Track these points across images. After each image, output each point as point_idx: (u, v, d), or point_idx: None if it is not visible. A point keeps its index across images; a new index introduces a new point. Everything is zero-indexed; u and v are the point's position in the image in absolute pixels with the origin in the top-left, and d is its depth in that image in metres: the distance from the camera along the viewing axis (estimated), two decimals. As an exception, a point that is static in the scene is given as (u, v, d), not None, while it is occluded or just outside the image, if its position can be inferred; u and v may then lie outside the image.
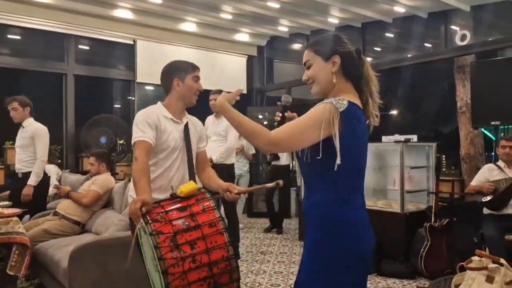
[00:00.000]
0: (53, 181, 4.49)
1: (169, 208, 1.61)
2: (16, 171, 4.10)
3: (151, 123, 2.05)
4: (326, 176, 1.47)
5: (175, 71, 2.18)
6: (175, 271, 1.47)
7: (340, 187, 1.47)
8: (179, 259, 1.48)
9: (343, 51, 1.53)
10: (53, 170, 4.71)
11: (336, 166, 1.42)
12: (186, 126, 2.18)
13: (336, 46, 1.53)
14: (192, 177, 2.10)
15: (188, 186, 1.68)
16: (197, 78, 2.18)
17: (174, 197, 1.69)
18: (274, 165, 5.75)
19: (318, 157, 1.44)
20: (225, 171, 4.36)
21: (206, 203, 1.62)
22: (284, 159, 5.68)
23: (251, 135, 1.45)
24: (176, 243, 1.49)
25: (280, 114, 1.68)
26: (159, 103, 2.21)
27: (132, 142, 2.05)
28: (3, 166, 5.48)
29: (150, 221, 1.55)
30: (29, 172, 3.94)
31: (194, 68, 2.19)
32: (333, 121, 1.40)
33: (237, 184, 5.97)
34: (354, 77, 1.56)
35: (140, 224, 1.61)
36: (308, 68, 1.57)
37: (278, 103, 1.72)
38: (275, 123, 1.66)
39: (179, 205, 1.62)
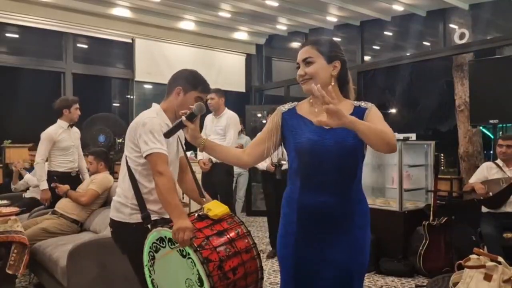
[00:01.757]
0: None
1: (208, 233, 1.66)
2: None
3: (161, 135, 1.91)
4: (360, 170, 1.60)
5: (187, 81, 2.02)
6: None
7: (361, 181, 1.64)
8: (225, 285, 1.58)
9: (343, 59, 1.63)
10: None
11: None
12: (165, 135, 2.00)
13: (338, 52, 1.63)
14: (200, 192, 2.04)
15: (220, 209, 1.73)
16: (200, 99, 1.99)
17: (203, 218, 1.71)
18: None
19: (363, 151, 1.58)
20: (224, 170, 4.36)
21: (239, 229, 1.72)
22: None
23: (384, 135, 1.41)
24: (223, 271, 1.59)
25: (183, 118, 1.68)
26: (158, 106, 2.04)
27: (148, 152, 1.85)
28: (1, 165, 5.47)
29: (198, 249, 1.59)
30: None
31: (207, 90, 2.05)
32: None
33: (236, 182, 5.97)
34: (342, 84, 1.67)
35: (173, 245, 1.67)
36: (308, 64, 1.59)
37: (192, 107, 1.72)
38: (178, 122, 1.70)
39: (214, 228, 1.69)
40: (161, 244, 1.73)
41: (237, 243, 1.66)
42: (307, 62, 1.59)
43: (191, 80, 2.02)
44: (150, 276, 1.83)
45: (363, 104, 1.62)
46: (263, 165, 4.25)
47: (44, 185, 3.96)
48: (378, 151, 1.43)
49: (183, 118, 1.66)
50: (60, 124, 4.14)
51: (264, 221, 6.29)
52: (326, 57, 1.59)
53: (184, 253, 1.63)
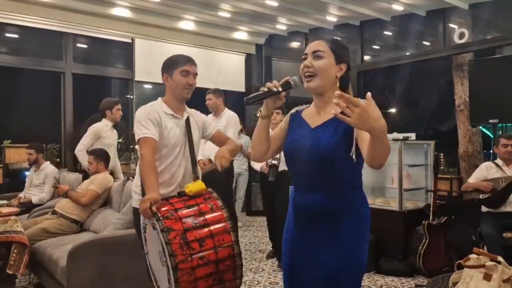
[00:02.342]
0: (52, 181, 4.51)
1: (178, 206, 1.66)
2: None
3: (153, 119, 2.05)
4: (357, 173, 1.57)
5: (166, 66, 2.18)
6: (184, 267, 1.53)
7: (360, 182, 1.61)
8: (188, 255, 1.53)
9: (349, 64, 1.62)
10: (53, 170, 4.72)
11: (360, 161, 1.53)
12: (187, 121, 2.16)
13: (347, 56, 1.61)
14: (194, 172, 2.10)
15: (196, 185, 1.74)
16: (186, 72, 2.11)
17: (181, 195, 1.74)
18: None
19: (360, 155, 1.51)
20: (224, 170, 4.35)
21: (214, 202, 1.68)
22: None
23: (388, 153, 1.33)
24: (186, 240, 1.55)
25: (280, 89, 1.55)
26: (159, 99, 2.20)
27: (136, 139, 2.04)
28: (1, 165, 5.47)
29: (161, 218, 1.60)
30: None
31: (184, 62, 2.13)
32: None
33: (236, 182, 5.97)
34: (343, 87, 1.61)
35: (148, 220, 1.68)
36: (317, 58, 1.55)
37: (288, 78, 1.58)
38: (266, 90, 1.54)
39: (187, 203, 1.68)
40: (145, 222, 1.80)
41: (208, 216, 1.63)
42: (317, 55, 1.55)
43: (169, 64, 2.17)
44: (147, 260, 1.86)
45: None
46: (258, 165, 4.19)
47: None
48: (369, 164, 1.36)
49: (280, 88, 1.54)
50: (105, 122, 4.41)
51: (264, 221, 6.29)
52: (336, 57, 1.57)
53: (154, 226, 1.64)
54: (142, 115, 2.06)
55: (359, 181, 1.59)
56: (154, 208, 1.64)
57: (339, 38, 1.71)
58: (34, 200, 4.51)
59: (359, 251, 1.56)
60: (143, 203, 1.67)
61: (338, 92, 1.20)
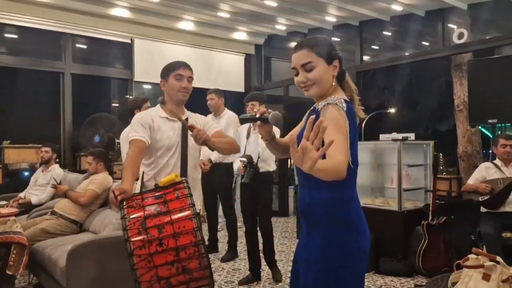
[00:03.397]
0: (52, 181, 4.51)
1: (146, 196, 1.69)
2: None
3: (144, 123, 2.17)
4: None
5: (163, 73, 2.28)
6: (141, 253, 1.52)
7: (346, 184, 1.50)
8: (146, 241, 1.52)
9: (340, 56, 1.57)
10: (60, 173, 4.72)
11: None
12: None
13: (335, 51, 1.56)
14: (183, 173, 2.16)
15: (168, 177, 1.77)
16: (180, 76, 2.21)
17: (156, 188, 1.78)
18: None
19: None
20: (224, 170, 4.37)
21: (181, 192, 1.66)
22: (273, 164, 3.89)
23: (335, 174, 1.29)
24: (144, 226, 1.54)
25: (256, 116, 1.58)
26: (158, 105, 2.32)
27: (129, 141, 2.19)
28: (0, 165, 5.47)
29: (125, 207, 1.64)
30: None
31: (177, 66, 2.23)
32: (346, 122, 1.44)
33: (235, 182, 5.96)
34: (340, 78, 1.60)
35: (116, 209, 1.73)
36: (309, 71, 1.51)
37: (269, 111, 1.61)
38: (248, 115, 1.68)
39: (157, 193, 1.70)
40: None
41: (171, 204, 1.62)
42: (308, 67, 1.51)
43: (165, 70, 2.27)
44: None
45: (321, 104, 1.48)
46: (236, 166, 3.96)
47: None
48: None
49: (259, 121, 1.59)
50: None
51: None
52: (326, 59, 1.52)
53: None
54: (134, 120, 2.20)
55: (338, 183, 1.41)
56: (119, 197, 1.70)
57: (320, 36, 1.61)
58: (34, 200, 4.51)
59: (331, 253, 1.48)
60: (111, 192, 1.76)
61: (321, 121, 1.16)
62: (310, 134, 1.17)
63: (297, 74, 1.56)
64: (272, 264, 3.83)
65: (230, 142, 2.27)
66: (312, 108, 1.68)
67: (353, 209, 1.53)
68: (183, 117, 2.26)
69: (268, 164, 3.73)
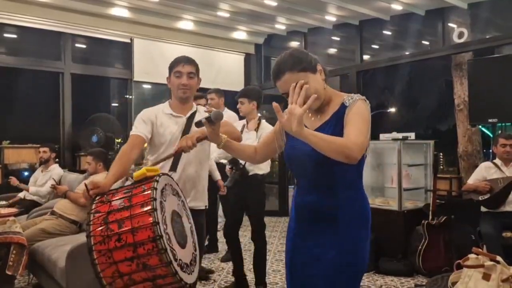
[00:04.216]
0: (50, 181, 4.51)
1: (119, 190, 1.66)
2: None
3: (146, 119, 2.17)
4: (355, 173, 1.57)
5: (168, 69, 2.27)
6: (101, 248, 1.50)
7: (362, 182, 1.61)
8: (105, 236, 1.49)
9: (317, 60, 1.57)
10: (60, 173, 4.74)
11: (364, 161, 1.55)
12: (190, 119, 2.20)
13: (310, 56, 1.56)
14: (173, 168, 2.14)
15: (139, 171, 1.71)
16: (179, 74, 2.19)
17: (134, 183, 1.73)
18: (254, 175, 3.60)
19: None
20: (224, 170, 4.36)
21: (148, 185, 1.60)
22: (265, 167, 3.57)
23: (341, 150, 1.35)
24: (107, 221, 1.51)
25: (203, 120, 1.66)
26: (166, 102, 2.30)
27: None
28: (0, 166, 5.46)
29: (95, 201, 1.62)
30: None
31: (177, 63, 2.21)
32: (370, 118, 1.52)
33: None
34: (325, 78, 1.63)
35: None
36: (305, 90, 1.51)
37: (207, 115, 1.68)
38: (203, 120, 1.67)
39: (129, 188, 1.66)
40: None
41: (135, 198, 1.57)
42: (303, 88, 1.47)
43: (169, 66, 2.25)
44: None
45: (350, 100, 1.54)
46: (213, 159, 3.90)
47: (217, 176, 4.11)
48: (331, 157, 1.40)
49: (203, 120, 1.68)
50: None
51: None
52: (310, 69, 1.53)
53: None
54: (139, 116, 2.20)
55: (358, 180, 1.61)
56: (91, 192, 1.67)
57: (291, 51, 1.57)
58: (32, 190, 4.54)
59: (358, 249, 1.57)
60: (83, 184, 1.78)
61: (302, 82, 1.34)
62: (292, 98, 1.30)
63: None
64: (260, 283, 3.48)
65: (229, 132, 2.08)
66: None
67: (369, 207, 1.63)
68: (188, 113, 2.23)
69: (259, 167, 3.41)
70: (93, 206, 1.59)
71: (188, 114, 2.23)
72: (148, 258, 1.48)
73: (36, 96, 6.53)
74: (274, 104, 1.37)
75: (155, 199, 1.52)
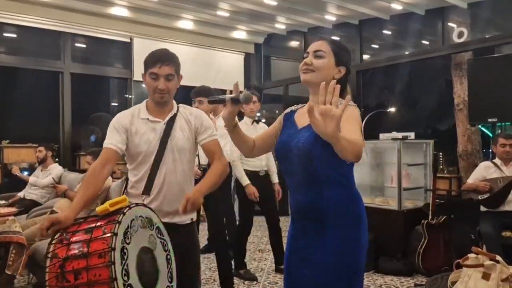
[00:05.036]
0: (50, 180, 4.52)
1: (82, 227, 1.49)
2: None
3: (119, 127, 1.91)
4: (343, 171, 1.56)
5: (144, 64, 1.95)
6: None
7: (353, 182, 1.60)
8: (61, 287, 1.38)
9: (349, 68, 1.65)
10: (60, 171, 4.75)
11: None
12: (169, 124, 1.94)
13: (348, 60, 1.65)
14: (148, 186, 1.91)
15: (102, 206, 1.52)
16: (154, 75, 1.88)
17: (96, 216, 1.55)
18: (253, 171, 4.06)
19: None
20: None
21: (110, 227, 1.43)
22: (240, 169, 3.94)
23: (359, 150, 1.32)
24: (63, 269, 1.38)
25: (228, 97, 1.62)
26: (144, 101, 2.01)
27: None
28: (0, 165, 5.46)
29: (54, 242, 1.46)
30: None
31: (153, 63, 1.88)
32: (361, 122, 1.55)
33: (234, 182, 5.95)
34: (341, 90, 1.61)
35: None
36: (317, 57, 1.59)
37: (241, 90, 1.67)
38: (217, 97, 1.65)
39: (92, 225, 1.48)
40: None
41: (93, 244, 1.40)
42: (318, 55, 1.59)
43: (144, 62, 1.94)
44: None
45: (339, 104, 1.54)
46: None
47: (246, 181, 3.98)
48: (344, 159, 1.39)
49: (227, 97, 1.59)
50: (245, 120, 4.04)
51: (263, 221, 6.27)
52: (336, 59, 1.60)
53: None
54: (111, 123, 1.94)
55: (344, 179, 1.56)
56: (50, 230, 1.50)
57: (341, 42, 1.72)
58: (31, 180, 4.56)
59: (348, 250, 1.53)
60: (43, 221, 1.54)
61: (334, 82, 1.26)
62: (325, 98, 1.22)
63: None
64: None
65: (219, 175, 1.92)
66: (288, 110, 1.74)
67: (362, 206, 1.60)
68: (170, 115, 1.94)
69: (236, 166, 3.47)
70: (51, 248, 1.44)
71: (167, 118, 1.94)
72: None
73: (36, 95, 6.53)
74: (311, 105, 1.24)
75: (113, 249, 1.37)
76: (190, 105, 2.84)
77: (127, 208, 1.52)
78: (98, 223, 1.47)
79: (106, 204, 1.52)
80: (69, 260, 1.39)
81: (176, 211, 1.84)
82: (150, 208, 1.70)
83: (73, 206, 1.66)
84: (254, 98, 3.91)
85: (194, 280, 2.05)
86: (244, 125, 3.86)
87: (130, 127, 1.92)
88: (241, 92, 1.63)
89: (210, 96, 1.67)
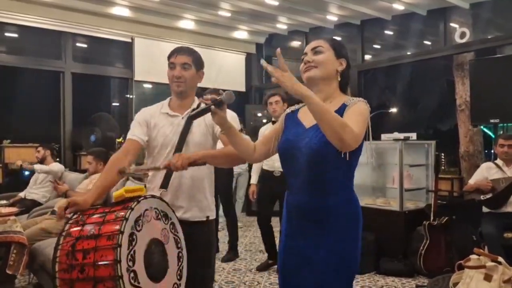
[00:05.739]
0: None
1: (98, 211, 1.54)
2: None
3: (141, 120, 1.99)
4: (351, 174, 1.57)
5: None
6: (64, 277, 1.41)
7: (351, 183, 1.60)
8: (69, 265, 1.41)
9: (349, 61, 1.66)
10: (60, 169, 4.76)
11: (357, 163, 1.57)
12: (189, 119, 1.94)
13: (346, 54, 1.66)
14: (167, 179, 1.92)
15: (118, 191, 1.57)
16: (172, 65, 1.97)
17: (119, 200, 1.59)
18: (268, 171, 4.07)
19: (354, 155, 1.51)
20: (224, 170, 4.35)
21: (123, 212, 1.47)
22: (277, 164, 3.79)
23: (340, 127, 1.37)
24: (74, 248, 1.42)
25: (209, 103, 1.58)
26: (169, 97, 2.09)
27: None
28: (0, 165, 5.47)
29: (70, 222, 1.53)
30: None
31: (171, 53, 2.01)
32: (368, 119, 1.54)
33: (236, 182, 5.96)
34: (343, 84, 1.66)
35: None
36: (317, 53, 1.60)
37: (221, 91, 1.64)
38: (197, 109, 1.60)
39: (107, 209, 1.53)
40: None
41: (105, 227, 1.44)
42: (316, 51, 1.60)
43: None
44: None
45: (351, 101, 1.57)
46: None
47: (253, 180, 4.16)
48: (330, 140, 1.41)
49: (212, 106, 1.57)
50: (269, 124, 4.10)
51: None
52: (336, 52, 1.62)
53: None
54: (135, 117, 2.04)
55: (349, 181, 1.59)
56: (68, 210, 1.58)
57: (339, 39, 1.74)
58: (36, 167, 4.60)
59: (348, 250, 1.55)
60: (60, 203, 1.64)
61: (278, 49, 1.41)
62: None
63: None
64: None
65: (227, 154, 1.88)
66: (289, 111, 1.74)
67: (359, 207, 1.61)
68: (189, 111, 1.95)
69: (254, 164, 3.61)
70: (67, 227, 1.50)
71: (186, 113, 1.97)
72: None
73: (36, 95, 6.53)
74: (278, 51, 1.45)
75: (122, 233, 1.40)
76: None
77: (143, 198, 1.56)
78: (113, 209, 1.52)
79: (122, 190, 1.56)
80: (80, 239, 1.44)
81: (189, 206, 1.92)
82: (167, 204, 1.70)
83: (92, 191, 1.71)
84: (277, 98, 3.91)
85: (205, 279, 2.03)
86: (268, 128, 3.91)
87: (150, 120, 1.99)
88: (220, 93, 1.62)
89: (190, 113, 1.62)
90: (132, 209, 1.47)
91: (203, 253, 1.96)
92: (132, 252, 1.42)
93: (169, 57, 2.01)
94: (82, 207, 1.58)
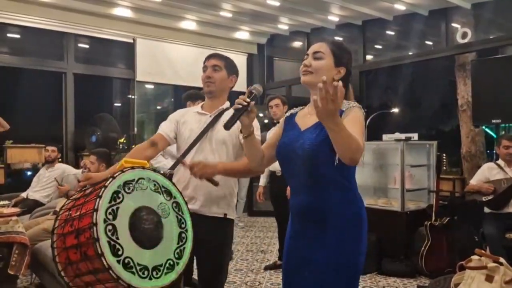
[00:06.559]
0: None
1: (101, 183, 1.60)
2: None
3: (172, 118, 2.18)
4: (347, 173, 1.56)
5: None
6: (59, 232, 1.48)
7: (353, 183, 1.60)
8: (65, 221, 1.49)
9: (349, 69, 1.65)
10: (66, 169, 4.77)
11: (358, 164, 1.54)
12: (216, 117, 2.09)
13: (348, 61, 1.64)
14: (181, 158, 2.05)
15: (121, 161, 1.67)
16: (205, 68, 2.17)
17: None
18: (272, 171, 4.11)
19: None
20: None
21: (102, 190, 1.52)
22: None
23: (356, 149, 1.34)
24: (73, 205, 1.52)
25: (248, 100, 1.59)
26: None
27: None
28: (3, 165, 5.48)
29: (78, 190, 1.66)
30: None
31: (205, 59, 2.22)
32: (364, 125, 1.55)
33: (237, 183, 5.96)
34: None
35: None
36: (316, 59, 1.60)
37: (250, 88, 1.65)
38: (239, 107, 1.57)
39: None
40: None
41: (97, 187, 1.51)
42: (316, 56, 1.61)
43: None
44: None
45: (347, 105, 1.55)
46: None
47: (260, 182, 4.27)
48: (341, 158, 1.40)
49: (252, 102, 1.59)
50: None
51: (266, 221, 6.29)
52: (336, 60, 1.61)
53: None
54: (170, 115, 2.24)
55: (348, 182, 1.58)
56: (81, 183, 1.75)
57: (343, 42, 1.72)
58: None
59: (348, 251, 1.55)
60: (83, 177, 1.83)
61: (324, 77, 1.22)
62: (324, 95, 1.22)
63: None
64: None
65: (238, 170, 1.98)
66: (289, 114, 1.75)
67: (363, 209, 1.61)
68: (216, 112, 2.11)
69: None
70: (75, 195, 1.61)
71: (215, 112, 2.10)
72: (87, 247, 1.38)
73: (38, 96, 6.55)
74: (320, 86, 1.22)
75: (105, 187, 1.44)
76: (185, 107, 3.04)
77: (140, 167, 1.60)
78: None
79: (122, 161, 1.64)
80: (80, 198, 1.53)
81: (203, 202, 2.01)
82: (172, 183, 1.69)
83: (110, 171, 1.86)
84: (277, 101, 3.96)
85: (216, 276, 2.07)
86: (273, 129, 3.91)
87: (181, 118, 2.17)
88: (250, 96, 1.62)
89: (224, 124, 1.62)
90: (123, 171, 1.52)
91: (216, 250, 2.02)
92: (114, 208, 1.44)
93: (204, 62, 2.20)
94: (94, 181, 1.71)
